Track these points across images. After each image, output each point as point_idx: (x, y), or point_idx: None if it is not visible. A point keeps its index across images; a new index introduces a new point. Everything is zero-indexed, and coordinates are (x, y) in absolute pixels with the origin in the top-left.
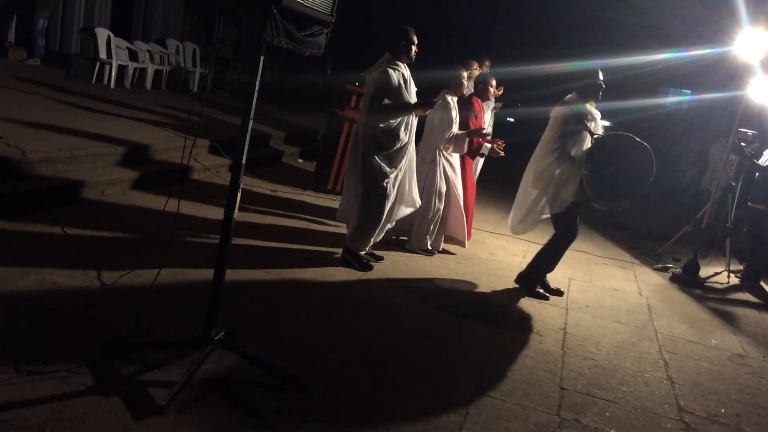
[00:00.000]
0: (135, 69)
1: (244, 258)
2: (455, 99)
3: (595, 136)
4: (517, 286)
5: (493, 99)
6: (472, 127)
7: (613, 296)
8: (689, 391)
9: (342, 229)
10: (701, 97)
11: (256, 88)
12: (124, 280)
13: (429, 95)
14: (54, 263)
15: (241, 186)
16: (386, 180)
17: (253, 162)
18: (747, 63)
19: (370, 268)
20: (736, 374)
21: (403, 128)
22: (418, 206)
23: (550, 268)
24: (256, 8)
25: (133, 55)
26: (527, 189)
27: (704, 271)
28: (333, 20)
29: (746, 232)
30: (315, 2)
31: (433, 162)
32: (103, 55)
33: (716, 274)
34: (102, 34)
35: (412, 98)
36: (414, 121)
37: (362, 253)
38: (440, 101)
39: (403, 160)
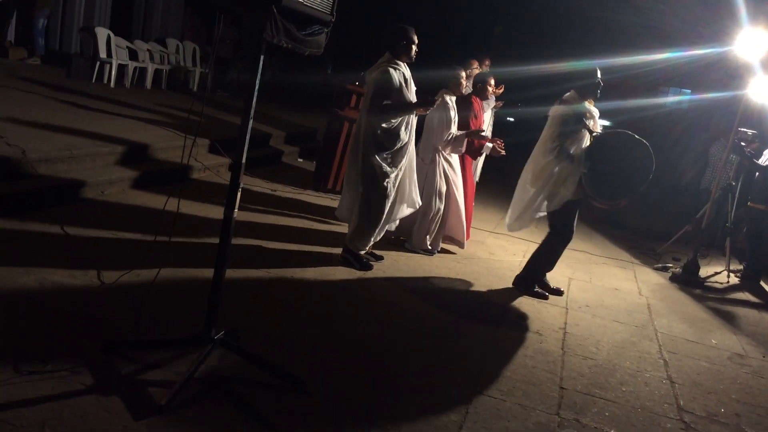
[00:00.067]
0: (135, 68)
1: (244, 257)
2: (454, 99)
3: (594, 134)
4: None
5: (493, 98)
6: (473, 127)
7: (612, 296)
8: (689, 390)
9: (342, 228)
10: (701, 96)
11: (256, 88)
12: (124, 279)
13: (428, 95)
14: (54, 263)
15: (241, 185)
16: (386, 180)
17: (253, 161)
18: (747, 63)
19: (370, 267)
20: (736, 374)
21: (403, 128)
22: (418, 206)
23: (549, 268)
24: (256, 8)
25: (133, 55)
26: (525, 187)
27: (704, 271)
28: (333, 20)
29: (746, 232)
30: (315, 2)
31: (433, 162)
32: (103, 55)
33: (716, 273)
34: (102, 33)
35: (413, 98)
36: (414, 120)
37: (362, 252)
38: (439, 101)
39: (404, 160)
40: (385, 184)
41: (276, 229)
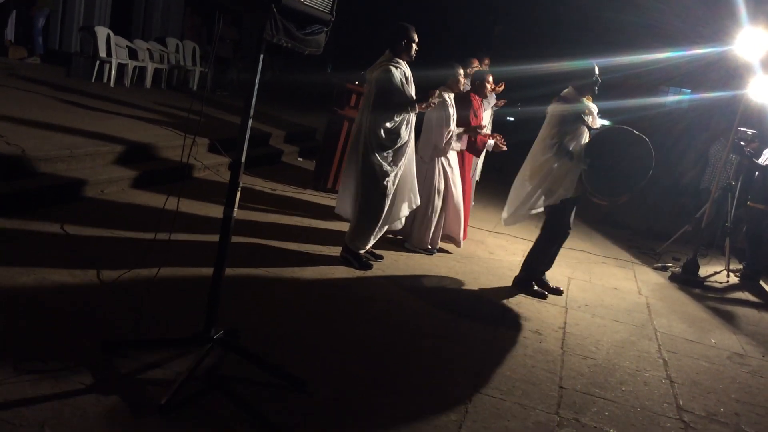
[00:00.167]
0: (135, 67)
1: (244, 256)
2: (452, 96)
3: (593, 131)
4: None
5: (493, 96)
6: (472, 125)
7: (612, 295)
8: (688, 390)
9: (341, 227)
10: (701, 96)
11: (256, 87)
12: (124, 278)
13: (426, 91)
14: (54, 262)
15: (241, 184)
16: (387, 179)
17: (253, 161)
18: (747, 62)
19: (369, 267)
20: (736, 373)
21: (404, 126)
22: (416, 205)
23: (547, 267)
24: (256, 7)
25: (132, 54)
26: (524, 183)
27: (704, 271)
28: (333, 19)
29: (746, 232)
30: (315, 1)
31: (432, 160)
32: (102, 54)
33: (716, 273)
34: (102, 32)
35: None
36: (413, 119)
37: (362, 252)
38: (438, 100)
39: (404, 159)
40: (385, 183)
41: (276, 228)
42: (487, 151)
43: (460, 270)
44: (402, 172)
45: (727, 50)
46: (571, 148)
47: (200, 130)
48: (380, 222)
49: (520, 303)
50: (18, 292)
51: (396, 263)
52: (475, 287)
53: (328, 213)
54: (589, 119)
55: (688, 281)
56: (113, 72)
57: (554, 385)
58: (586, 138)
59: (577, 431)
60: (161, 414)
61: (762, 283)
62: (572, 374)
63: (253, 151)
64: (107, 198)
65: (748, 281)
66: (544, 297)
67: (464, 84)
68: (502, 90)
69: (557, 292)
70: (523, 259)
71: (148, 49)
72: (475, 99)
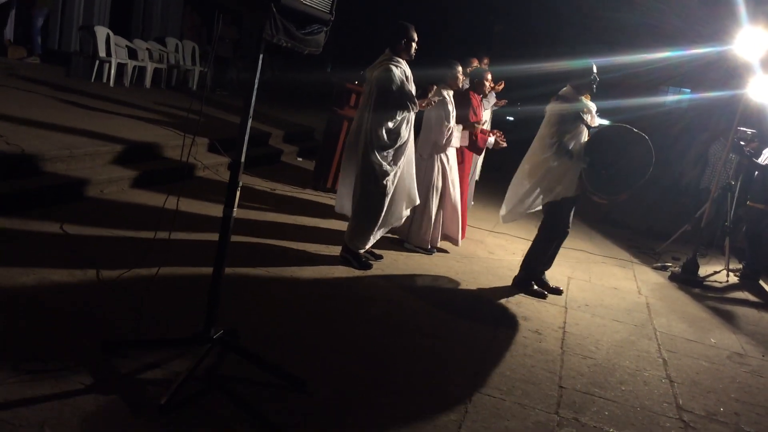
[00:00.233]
0: (134, 67)
1: (244, 256)
2: (451, 93)
3: (593, 129)
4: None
5: (493, 95)
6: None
7: (612, 295)
8: (688, 389)
9: (341, 227)
10: (701, 95)
11: (256, 87)
12: (124, 278)
13: (424, 88)
14: (53, 262)
15: (240, 184)
16: (386, 178)
17: (253, 160)
18: (746, 62)
19: (369, 266)
20: (735, 373)
21: (404, 125)
22: (416, 203)
23: (546, 266)
24: (256, 7)
25: (132, 54)
26: (522, 181)
27: (703, 270)
28: (332, 19)
29: (745, 231)
30: (314, 1)
31: (431, 158)
32: (102, 54)
33: (715, 272)
34: (101, 32)
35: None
36: (413, 117)
37: (361, 251)
38: (438, 98)
39: (403, 158)
40: (384, 182)
41: (275, 227)
42: (487, 148)
43: (459, 270)
44: (402, 170)
45: (726, 50)
46: (570, 147)
47: (200, 130)
48: (380, 221)
49: (520, 303)
50: (18, 292)
51: (395, 263)
52: (475, 287)
53: (327, 213)
54: (588, 118)
55: (688, 281)
56: (113, 72)
57: (554, 385)
58: (585, 137)
59: (577, 431)
60: (161, 414)
61: (762, 282)
62: (572, 374)
63: (253, 150)
64: (107, 198)
65: (747, 281)
66: (543, 297)
67: (463, 81)
68: (502, 89)
69: (557, 291)
70: (523, 258)
71: (147, 48)
72: (474, 97)
